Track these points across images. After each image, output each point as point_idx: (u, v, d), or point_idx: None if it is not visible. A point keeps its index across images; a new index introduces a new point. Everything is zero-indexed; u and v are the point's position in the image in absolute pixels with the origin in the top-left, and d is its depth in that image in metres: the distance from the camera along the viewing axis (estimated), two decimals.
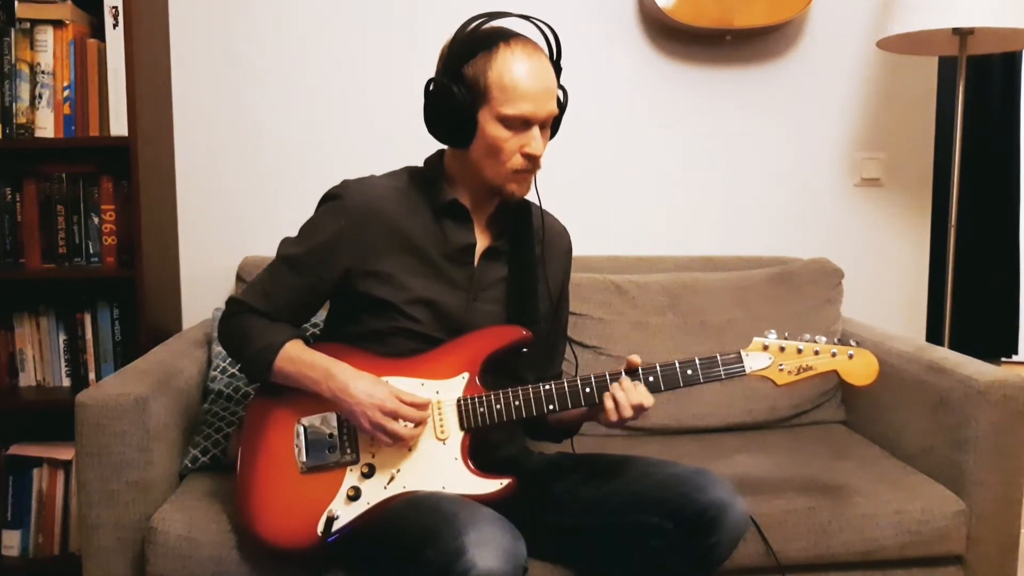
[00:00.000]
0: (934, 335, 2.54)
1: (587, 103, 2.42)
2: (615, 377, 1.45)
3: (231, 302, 1.57)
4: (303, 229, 1.56)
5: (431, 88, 1.47)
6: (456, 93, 1.43)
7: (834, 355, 1.47)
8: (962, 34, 2.17)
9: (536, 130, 1.45)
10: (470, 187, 1.54)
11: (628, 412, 1.42)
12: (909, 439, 1.92)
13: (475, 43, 1.44)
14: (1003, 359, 3.00)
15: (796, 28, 2.47)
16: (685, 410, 2.10)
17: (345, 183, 1.55)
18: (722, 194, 2.51)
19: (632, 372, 1.46)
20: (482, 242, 1.57)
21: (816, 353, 1.47)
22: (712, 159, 2.49)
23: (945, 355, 1.89)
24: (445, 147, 1.57)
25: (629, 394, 1.42)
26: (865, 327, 2.26)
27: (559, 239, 1.69)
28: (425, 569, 1.25)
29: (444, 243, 1.53)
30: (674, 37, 2.43)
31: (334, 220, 1.51)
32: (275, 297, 1.54)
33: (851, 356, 1.47)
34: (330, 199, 1.54)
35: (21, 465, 2.12)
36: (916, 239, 2.58)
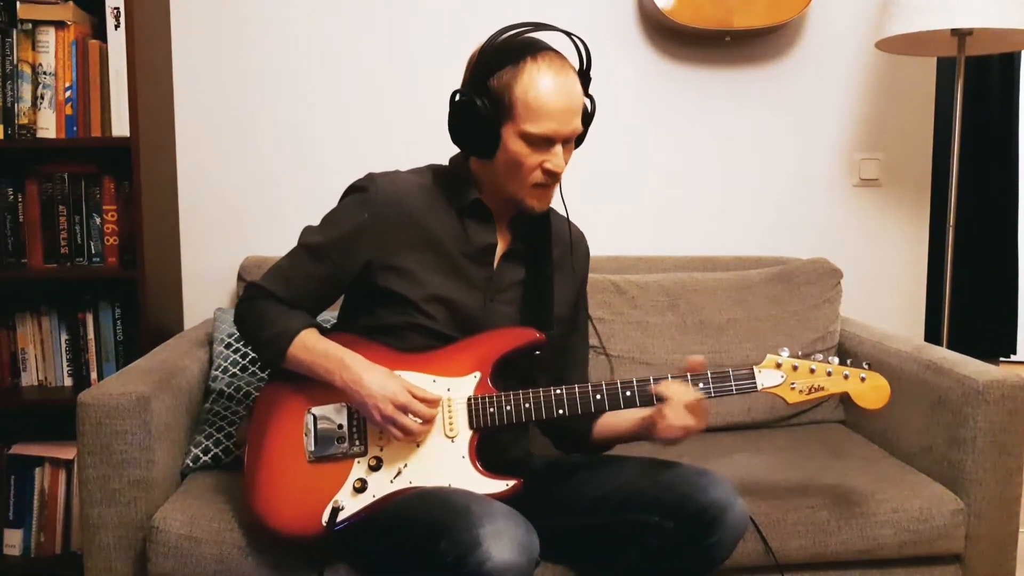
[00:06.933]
0: (932, 335, 2.55)
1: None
2: (632, 385, 1.45)
3: (250, 287, 1.57)
4: (326, 218, 1.56)
5: (456, 99, 1.47)
6: (480, 106, 1.42)
7: (846, 377, 1.47)
8: (961, 35, 2.17)
9: (558, 147, 1.45)
10: (493, 192, 1.54)
11: (686, 419, 1.45)
12: (908, 438, 1.93)
13: (503, 55, 1.43)
14: (1001, 359, 3.01)
15: (795, 29, 2.48)
16: None
17: (371, 176, 1.54)
18: (721, 194, 2.51)
19: (659, 380, 1.46)
20: (502, 244, 1.57)
21: (828, 374, 1.47)
22: (711, 159, 2.50)
23: (943, 355, 1.90)
24: None
25: (682, 398, 1.44)
26: (864, 327, 2.26)
27: (577, 245, 1.69)
28: (439, 561, 1.26)
29: (465, 242, 1.54)
30: (673, 38, 2.44)
31: (358, 212, 1.51)
32: (294, 284, 1.54)
33: (863, 379, 1.47)
34: (356, 191, 1.54)
35: (23, 464, 2.13)
36: (915, 239, 2.58)
